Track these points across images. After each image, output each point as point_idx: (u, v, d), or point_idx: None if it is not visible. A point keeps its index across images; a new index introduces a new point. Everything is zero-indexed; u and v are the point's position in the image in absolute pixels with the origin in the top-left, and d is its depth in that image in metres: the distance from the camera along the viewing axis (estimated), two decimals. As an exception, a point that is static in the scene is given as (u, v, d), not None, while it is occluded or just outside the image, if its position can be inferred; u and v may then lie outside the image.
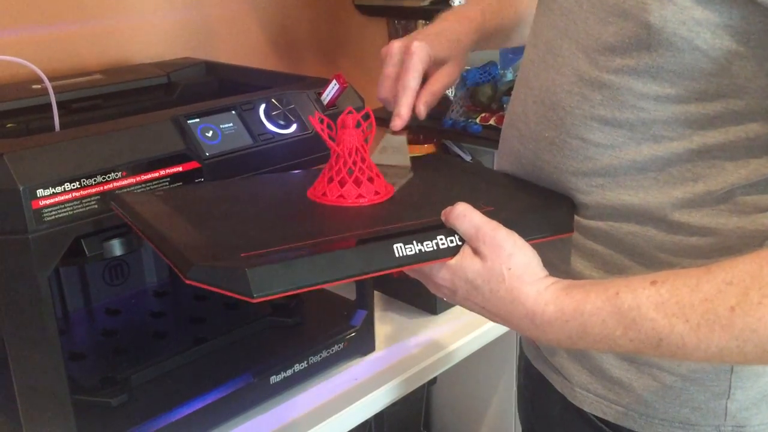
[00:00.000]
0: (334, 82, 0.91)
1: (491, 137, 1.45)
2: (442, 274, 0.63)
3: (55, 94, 0.90)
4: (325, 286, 0.59)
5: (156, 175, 0.77)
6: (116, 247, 0.80)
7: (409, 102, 0.79)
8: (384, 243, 0.61)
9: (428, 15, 1.59)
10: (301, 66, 1.51)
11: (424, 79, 0.81)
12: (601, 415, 0.71)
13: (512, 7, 0.89)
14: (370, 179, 0.71)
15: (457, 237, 0.63)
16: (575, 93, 0.65)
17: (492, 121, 1.48)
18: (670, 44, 0.58)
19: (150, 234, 0.64)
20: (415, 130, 1.64)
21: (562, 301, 0.58)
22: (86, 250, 0.76)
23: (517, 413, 0.89)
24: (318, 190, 0.71)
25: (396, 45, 0.80)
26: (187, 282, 0.56)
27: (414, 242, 0.61)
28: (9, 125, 0.92)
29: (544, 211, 0.68)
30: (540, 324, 0.59)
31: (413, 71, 0.78)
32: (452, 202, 0.64)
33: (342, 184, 0.70)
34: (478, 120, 1.49)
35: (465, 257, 0.62)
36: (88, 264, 1.03)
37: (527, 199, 0.70)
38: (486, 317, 0.64)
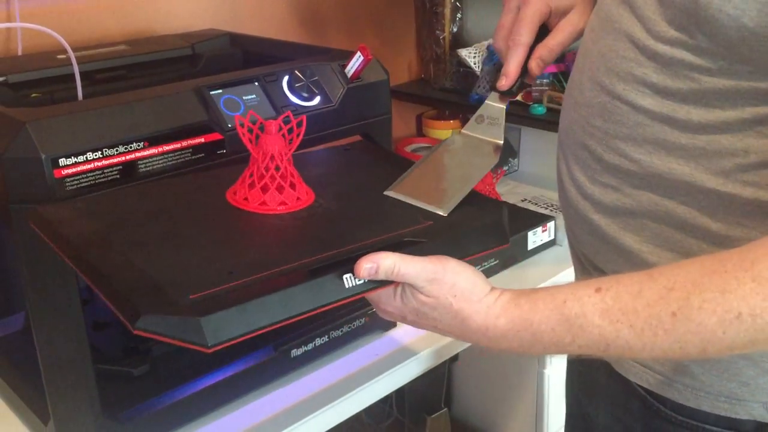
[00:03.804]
0: (359, 54, 0.90)
1: (518, 113, 1.43)
2: (389, 301, 0.65)
3: (79, 64, 0.90)
4: (276, 327, 0.57)
5: (178, 146, 0.76)
6: (138, 218, 0.80)
7: (518, 59, 0.74)
8: (334, 275, 0.60)
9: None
10: (326, 38, 1.49)
11: (547, 30, 0.75)
12: (645, 385, 0.70)
13: None
14: (293, 185, 0.70)
15: None
16: (630, 59, 0.65)
17: (519, 97, 1.45)
18: (715, 20, 0.57)
19: (85, 268, 0.60)
20: (441, 105, 1.62)
21: (512, 312, 0.61)
22: (108, 221, 0.76)
23: (565, 385, 0.89)
24: (239, 194, 0.70)
25: None
26: (135, 332, 0.53)
27: None
28: (34, 95, 0.92)
29: (481, 225, 0.69)
30: (493, 336, 0.61)
31: (525, 24, 0.73)
32: (386, 213, 0.65)
33: (264, 190, 0.69)
34: (505, 95, 1.47)
35: (407, 289, 0.63)
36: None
37: (458, 210, 0.70)
38: (439, 334, 0.66)
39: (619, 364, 0.73)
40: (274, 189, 0.69)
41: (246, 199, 0.69)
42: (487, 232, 0.70)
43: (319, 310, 0.59)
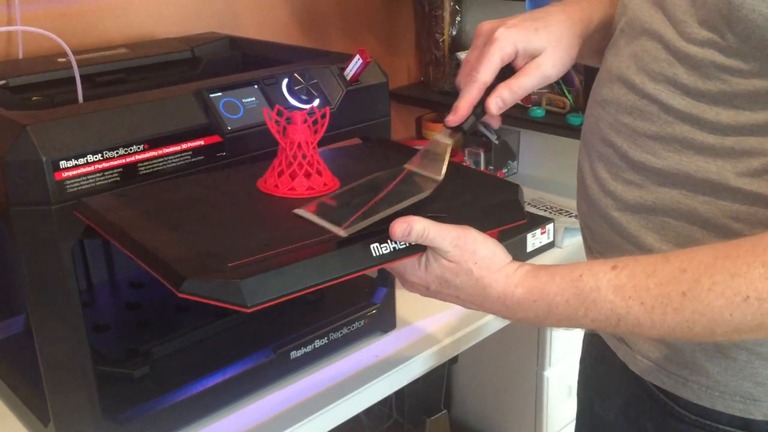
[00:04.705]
0: (358, 57, 0.90)
1: (517, 116, 1.44)
2: (414, 272, 0.67)
3: (80, 67, 0.91)
4: (309, 291, 0.61)
5: (178, 148, 0.77)
6: (138, 221, 0.80)
7: (470, 96, 0.71)
8: (362, 243, 0.64)
9: (455, -9, 1.56)
10: (325, 42, 1.50)
11: (511, 72, 0.73)
12: (659, 384, 0.71)
13: None
14: (319, 172, 0.74)
15: None
16: (661, 60, 0.65)
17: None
18: (749, 21, 0.58)
19: (131, 246, 0.64)
20: (440, 108, 1.62)
21: (530, 282, 0.63)
22: (109, 223, 0.77)
23: (577, 387, 0.90)
24: (269, 182, 0.74)
25: (484, 27, 0.74)
26: (180, 295, 0.57)
27: (389, 240, 0.64)
28: (34, 98, 0.93)
29: (498, 202, 0.73)
30: (511, 305, 0.64)
31: (485, 63, 0.71)
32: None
33: (293, 176, 0.73)
34: (503, 98, 1.47)
35: (431, 257, 0.66)
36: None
37: (475, 190, 0.74)
38: (459, 305, 0.68)
39: (633, 362, 0.73)
40: (302, 175, 0.73)
41: (276, 186, 0.73)
42: (504, 209, 0.73)
43: (348, 277, 0.63)
